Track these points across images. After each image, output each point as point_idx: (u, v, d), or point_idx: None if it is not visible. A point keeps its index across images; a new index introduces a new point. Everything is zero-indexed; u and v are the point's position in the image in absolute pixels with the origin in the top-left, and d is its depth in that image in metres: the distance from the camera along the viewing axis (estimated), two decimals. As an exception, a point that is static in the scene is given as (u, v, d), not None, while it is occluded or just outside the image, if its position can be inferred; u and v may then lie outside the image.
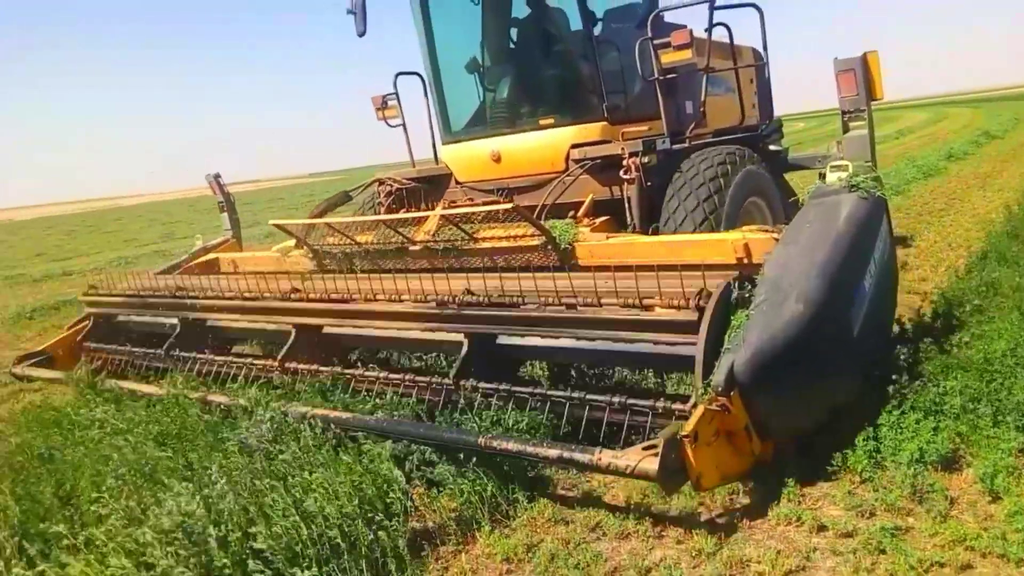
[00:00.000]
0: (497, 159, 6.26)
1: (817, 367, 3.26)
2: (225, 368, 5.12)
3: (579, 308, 3.64)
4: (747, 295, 3.37)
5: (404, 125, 7.13)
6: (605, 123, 5.96)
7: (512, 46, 6.67)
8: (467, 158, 6.52)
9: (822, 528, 2.99)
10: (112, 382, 5.21)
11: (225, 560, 2.75)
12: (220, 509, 2.95)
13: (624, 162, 5.48)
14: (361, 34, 6.82)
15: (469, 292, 4.15)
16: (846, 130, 4.21)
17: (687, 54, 5.47)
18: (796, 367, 3.19)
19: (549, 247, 4.91)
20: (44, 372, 5.75)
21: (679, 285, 3.44)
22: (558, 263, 4.93)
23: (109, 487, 3.33)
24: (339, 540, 2.89)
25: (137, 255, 18.83)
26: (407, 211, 6.50)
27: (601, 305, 3.59)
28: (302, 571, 2.74)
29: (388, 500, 3.20)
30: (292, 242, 6.39)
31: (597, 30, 6.46)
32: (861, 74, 4.07)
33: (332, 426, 3.71)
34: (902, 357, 3.72)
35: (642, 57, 5.66)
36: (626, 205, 5.50)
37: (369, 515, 3.05)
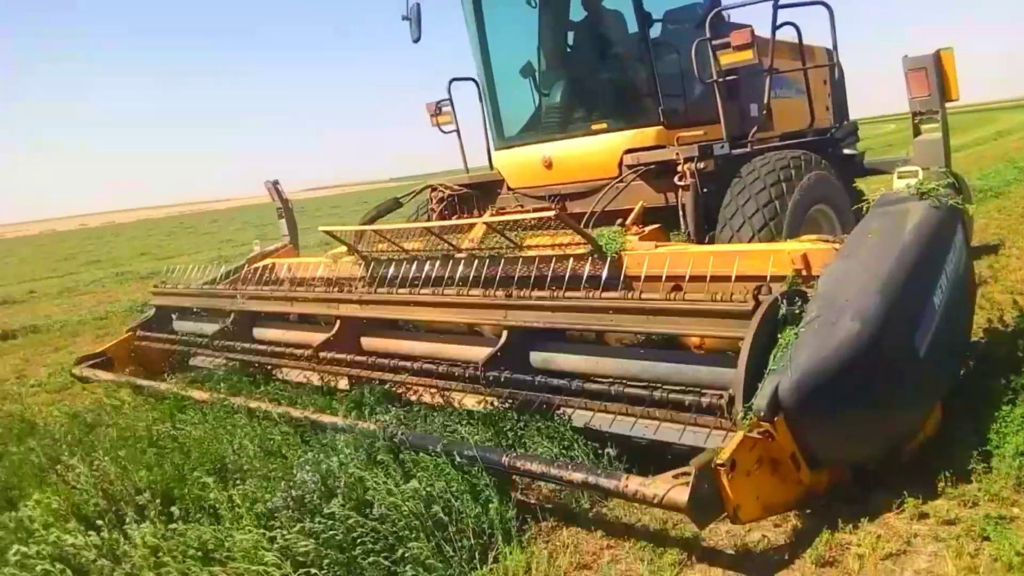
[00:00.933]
0: (549, 165, 6.09)
1: (875, 392, 2.95)
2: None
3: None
4: (797, 311, 3.09)
5: (458, 131, 7.04)
6: (661, 127, 5.72)
7: (568, 50, 6.49)
8: (519, 164, 6.38)
9: (923, 516, 2.96)
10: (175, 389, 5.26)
11: (340, 530, 2.96)
12: (336, 481, 3.22)
13: (679, 168, 5.23)
14: (416, 40, 6.78)
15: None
16: (917, 133, 3.87)
17: (747, 54, 5.19)
18: (850, 392, 2.89)
19: (595, 256, 4.70)
20: (102, 374, 5.87)
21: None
22: (605, 272, 4.72)
23: (248, 456, 3.68)
24: (442, 514, 3.04)
25: (234, 254, 19.76)
26: (458, 218, 6.41)
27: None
28: (409, 543, 2.91)
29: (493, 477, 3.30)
30: (344, 248, 6.36)
31: (656, 31, 6.23)
32: (934, 73, 3.72)
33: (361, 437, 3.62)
34: (1005, 352, 3.63)
35: (700, 58, 5.40)
36: (680, 212, 5.25)
37: (476, 490, 3.21)
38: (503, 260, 5.19)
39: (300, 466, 3.38)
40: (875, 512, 3.00)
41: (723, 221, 5.06)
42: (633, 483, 2.73)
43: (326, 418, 3.98)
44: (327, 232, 5.90)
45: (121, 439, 4.35)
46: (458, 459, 3.26)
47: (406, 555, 2.88)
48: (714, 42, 5.30)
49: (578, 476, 2.89)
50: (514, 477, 3.33)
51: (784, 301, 3.08)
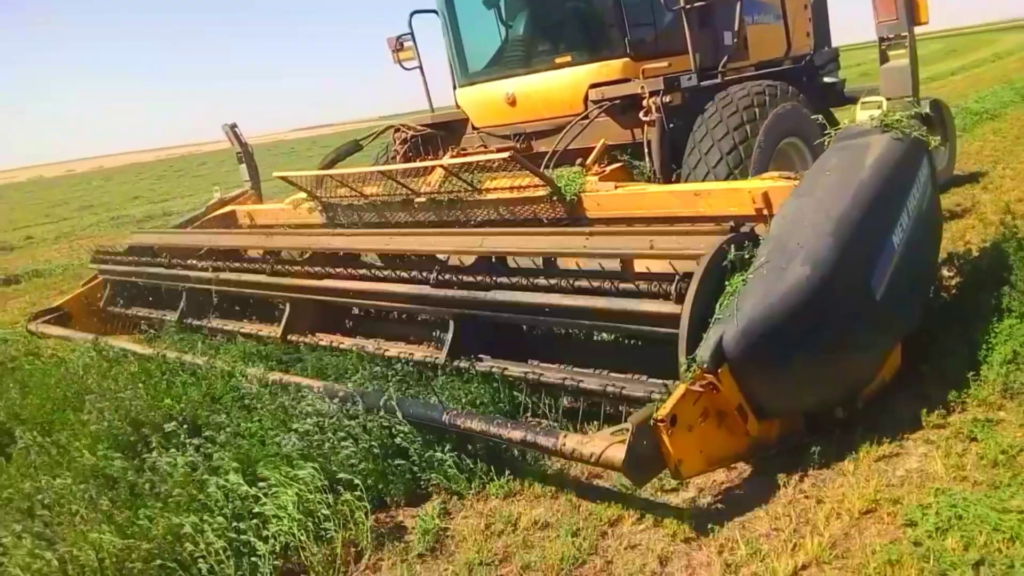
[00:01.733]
0: (512, 102, 5.83)
1: (826, 337, 2.82)
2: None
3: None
4: (747, 256, 2.93)
5: (421, 68, 6.75)
6: (627, 60, 5.44)
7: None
8: (482, 102, 6.11)
9: (915, 421, 3.05)
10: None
11: (373, 443, 3.16)
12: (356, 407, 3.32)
13: (644, 102, 5.00)
14: None
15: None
16: (884, 60, 3.64)
17: None
18: (799, 339, 2.76)
19: (554, 198, 4.52)
20: (58, 330, 5.71)
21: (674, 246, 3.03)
22: (565, 215, 4.54)
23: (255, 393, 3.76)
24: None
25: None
26: (421, 160, 6.20)
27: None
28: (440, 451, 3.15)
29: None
30: (304, 194, 6.15)
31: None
32: (902, -6, 3.47)
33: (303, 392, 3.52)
34: (995, 267, 3.70)
35: (667, -17, 5.10)
36: (646, 149, 5.04)
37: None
38: (463, 204, 5.02)
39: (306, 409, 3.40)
40: (868, 422, 3.06)
41: (689, 151, 4.86)
42: (571, 441, 2.62)
43: (277, 375, 3.85)
44: (282, 178, 5.69)
45: (143, 372, 4.39)
46: (400, 416, 3.15)
47: (432, 460, 3.14)
48: (681, -35, 5.01)
49: (517, 434, 2.78)
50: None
51: (732, 247, 2.91)
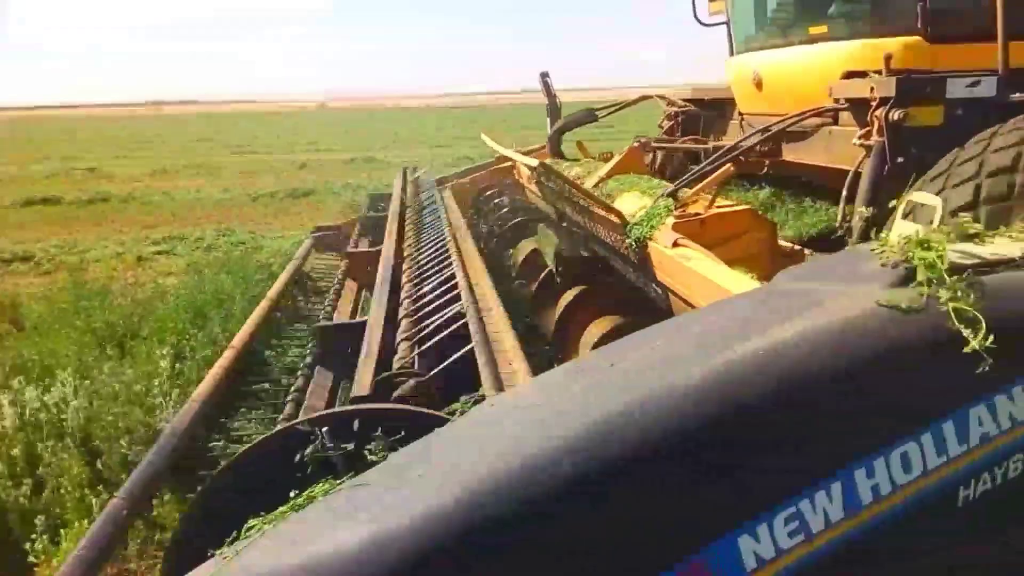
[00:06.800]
0: (758, 84, 4.11)
1: None
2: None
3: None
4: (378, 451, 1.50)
5: (728, 23, 5.18)
6: (918, 39, 3.28)
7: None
8: (739, 80, 4.46)
9: None
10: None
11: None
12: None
13: (869, 115, 3.00)
14: None
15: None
16: None
17: None
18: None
19: (622, 237, 3.08)
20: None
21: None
22: (635, 262, 3.09)
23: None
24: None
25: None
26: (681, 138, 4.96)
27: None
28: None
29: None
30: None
31: None
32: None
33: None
34: None
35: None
36: (845, 185, 3.07)
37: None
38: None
39: None
40: None
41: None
42: None
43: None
44: (486, 140, 5.15)
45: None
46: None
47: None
48: None
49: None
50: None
51: (323, 432, 1.50)
